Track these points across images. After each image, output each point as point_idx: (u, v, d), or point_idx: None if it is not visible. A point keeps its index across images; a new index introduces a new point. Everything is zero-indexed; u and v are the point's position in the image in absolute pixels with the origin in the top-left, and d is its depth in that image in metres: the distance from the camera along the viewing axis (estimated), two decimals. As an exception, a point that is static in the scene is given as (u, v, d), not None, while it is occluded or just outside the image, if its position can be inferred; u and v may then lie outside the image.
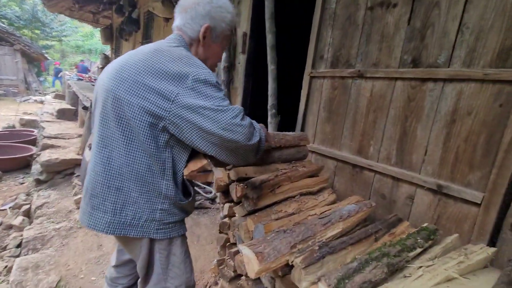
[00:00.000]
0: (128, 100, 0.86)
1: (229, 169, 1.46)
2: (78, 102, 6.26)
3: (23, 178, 3.95)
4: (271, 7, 2.11)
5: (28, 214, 2.90)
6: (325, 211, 1.30)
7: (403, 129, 1.47)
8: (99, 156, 0.94)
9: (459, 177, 1.26)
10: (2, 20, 15.75)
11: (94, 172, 0.95)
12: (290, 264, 0.98)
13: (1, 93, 12.21)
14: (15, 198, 3.20)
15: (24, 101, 11.38)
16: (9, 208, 2.97)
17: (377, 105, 1.59)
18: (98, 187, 0.94)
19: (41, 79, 16.63)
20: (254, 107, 3.17)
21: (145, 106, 0.85)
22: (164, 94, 0.84)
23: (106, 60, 8.78)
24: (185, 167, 0.99)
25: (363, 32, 1.66)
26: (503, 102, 1.13)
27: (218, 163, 1.06)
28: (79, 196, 3.01)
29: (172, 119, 0.85)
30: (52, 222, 2.59)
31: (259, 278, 1.31)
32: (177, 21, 1.02)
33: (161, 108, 0.84)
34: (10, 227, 2.62)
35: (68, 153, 3.94)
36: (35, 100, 11.51)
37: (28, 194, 3.30)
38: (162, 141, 0.90)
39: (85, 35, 26.43)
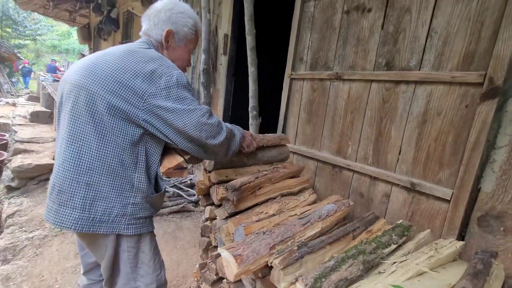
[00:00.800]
0: (102, 96, 0.89)
1: (209, 172, 1.45)
2: (54, 105, 6.00)
3: (-8, 185, 3.72)
4: (251, 9, 2.12)
5: (-2, 223, 2.74)
6: (305, 211, 1.32)
7: (378, 129, 1.52)
8: (68, 152, 0.93)
9: (430, 175, 1.32)
10: (-31, 17, 14.83)
11: (63, 168, 0.93)
12: (270, 265, 0.99)
13: (-31, 95, 11.47)
14: (-16, 207, 3.01)
15: (-6, 103, 10.74)
16: (-23, 217, 2.79)
17: (354, 107, 1.63)
18: (67, 183, 0.92)
19: (14, 80, 15.77)
20: (236, 109, 3.17)
21: (119, 102, 0.89)
22: (138, 92, 0.89)
23: (84, 60, 8.45)
24: (160, 164, 1.03)
25: (340, 36, 1.70)
26: (468, 103, 1.20)
27: (192, 160, 1.10)
28: (54, 202, 2.87)
29: (145, 116, 0.91)
30: (25, 231, 2.45)
31: (240, 281, 1.31)
32: (143, 27, 1.10)
33: (134, 105, 0.90)
34: (-23, 237, 2.46)
35: (43, 158, 3.76)
36: (7, 102, 10.88)
37: (-2, 202, 3.11)
38: (136, 136, 0.94)
39: (62, 34, 25.37)
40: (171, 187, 3.04)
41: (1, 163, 4.03)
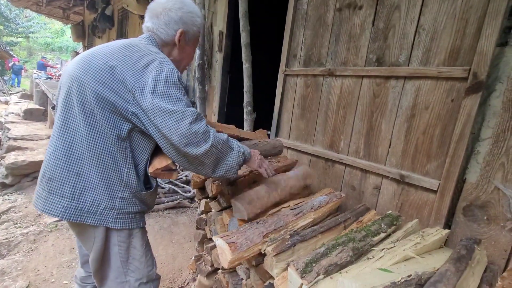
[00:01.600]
0: (93, 87, 0.89)
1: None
2: (48, 102, 5.94)
3: (-14, 182, 3.69)
4: (245, 6, 2.15)
5: (-8, 220, 2.72)
6: (298, 203, 1.35)
7: (369, 124, 1.56)
8: (60, 141, 0.94)
9: (418, 167, 1.37)
10: (-40, 14, 14.55)
11: (54, 157, 0.94)
12: (263, 253, 1.02)
13: (-40, 93, 11.27)
14: (-23, 204, 2.99)
15: (-14, 101, 10.57)
16: (-30, 214, 2.77)
17: (346, 102, 1.67)
18: (58, 171, 0.93)
19: (6, 78, 15.53)
20: (231, 105, 3.20)
21: (109, 94, 0.89)
22: (128, 85, 0.89)
23: (78, 58, 8.37)
24: (150, 164, 1.01)
25: (333, 33, 1.74)
26: (454, 97, 1.25)
27: None
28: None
29: (134, 109, 0.90)
30: (19, 227, 2.45)
31: (235, 270, 1.34)
32: (149, 24, 1.06)
33: (123, 98, 0.89)
34: (-29, 234, 2.45)
35: (37, 155, 3.74)
36: (-1, 100, 10.73)
37: (-9, 199, 3.09)
38: (124, 130, 0.93)
39: (55, 32, 25.04)
40: (167, 183, 3.06)
41: (-6, 161, 3.99)
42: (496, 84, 1.14)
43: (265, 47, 3.53)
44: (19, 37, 21.15)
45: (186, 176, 3.18)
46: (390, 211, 1.31)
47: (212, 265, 1.53)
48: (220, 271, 1.45)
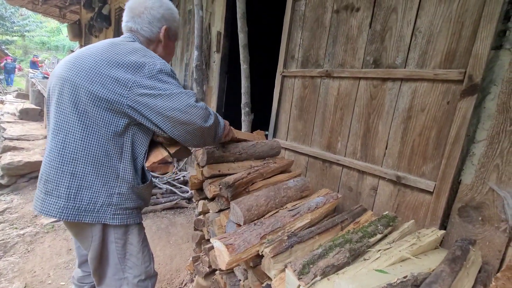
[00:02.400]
0: (86, 87, 0.91)
1: (202, 166, 1.48)
2: (44, 102, 5.89)
3: (-19, 183, 3.65)
4: (243, 7, 2.15)
5: (-13, 221, 2.70)
6: (296, 204, 1.36)
7: (366, 125, 1.57)
8: (53, 142, 0.96)
9: (415, 168, 1.38)
10: (-46, 12, 14.38)
11: (49, 158, 0.96)
12: (260, 254, 1.03)
13: (-46, 92, 11.14)
14: (-28, 205, 2.96)
15: (-19, 100, 10.46)
16: (-34, 215, 2.74)
17: (344, 103, 1.68)
18: (53, 172, 0.95)
19: (1, 77, 15.37)
20: (229, 106, 3.20)
21: (103, 92, 0.91)
22: (122, 81, 0.90)
23: (75, 57, 8.30)
24: (146, 159, 1.04)
25: (330, 34, 1.74)
26: (450, 99, 1.26)
27: (177, 154, 1.11)
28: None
29: (131, 103, 0.91)
30: (16, 228, 2.44)
31: (233, 272, 1.34)
32: (131, 24, 1.09)
33: (118, 94, 0.91)
34: (-33, 235, 2.43)
35: (33, 155, 3.71)
36: (-6, 100, 10.62)
37: (-13, 200, 3.07)
38: (120, 126, 0.95)
39: (51, 31, 24.83)
40: (164, 183, 3.05)
41: (-11, 161, 3.95)
42: (491, 87, 1.15)
43: (263, 48, 3.53)
44: (15, 35, 20.96)
45: (183, 176, 3.18)
46: (387, 212, 1.32)
47: (210, 266, 1.53)
48: (218, 272, 1.45)
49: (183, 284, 1.83)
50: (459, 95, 1.21)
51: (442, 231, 1.17)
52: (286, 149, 2.04)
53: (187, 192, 3.00)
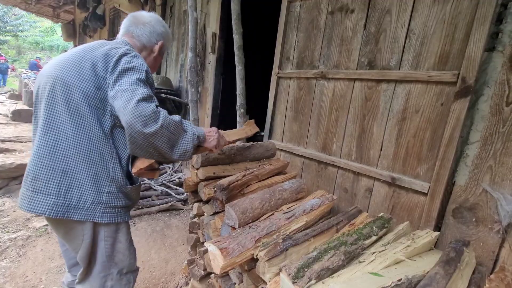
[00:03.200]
0: (77, 84, 0.94)
1: (197, 169, 1.47)
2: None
3: (-28, 186, 3.59)
4: (238, 8, 2.14)
5: (-22, 224, 2.65)
6: (291, 206, 1.35)
7: (361, 126, 1.57)
8: (44, 140, 0.95)
9: (409, 170, 1.39)
10: None
11: (38, 156, 0.95)
12: (255, 257, 1.02)
13: None
14: (-37, 208, 2.91)
15: (-27, 101, 10.28)
16: (-44, 219, 2.68)
17: (339, 105, 1.68)
18: (43, 170, 0.94)
19: (-6, 77, 15.12)
20: (225, 107, 3.19)
21: (94, 89, 0.94)
22: (100, 76, 0.94)
23: (69, 57, 8.20)
24: (132, 164, 1.04)
25: (325, 36, 1.74)
26: (444, 101, 1.27)
27: (165, 160, 1.08)
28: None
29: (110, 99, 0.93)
30: (7, 232, 2.39)
31: (228, 275, 1.33)
32: (132, 28, 1.15)
33: (104, 89, 0.94)
34: (-43, 239, 2.38)
35: (26, 157, 3.65)
36: (-14, 101, 10.44)
37: (-22, 203, 3.01)
38: (107, 125, 0.98)
39: (45, 31, 24.53)
40: (160, 185, 3.03)
41: (-19, 163, 3.89)
42: (484, 89, 1.16)
43: (258, 49, 3.53)
44: (8, 35, 20.67)
45: (179, 178, 3.16)
46: (382, 214, 1.31)
47: (205, 269, 1.52)
48: (213, 275, 1.44)
49: (178, 287, 1.81)
50: (452, 96, 1.22)
51: (437, 233, 1.17)
52: (281, 150, 2.03)
53: (183, 193, 2.98)
